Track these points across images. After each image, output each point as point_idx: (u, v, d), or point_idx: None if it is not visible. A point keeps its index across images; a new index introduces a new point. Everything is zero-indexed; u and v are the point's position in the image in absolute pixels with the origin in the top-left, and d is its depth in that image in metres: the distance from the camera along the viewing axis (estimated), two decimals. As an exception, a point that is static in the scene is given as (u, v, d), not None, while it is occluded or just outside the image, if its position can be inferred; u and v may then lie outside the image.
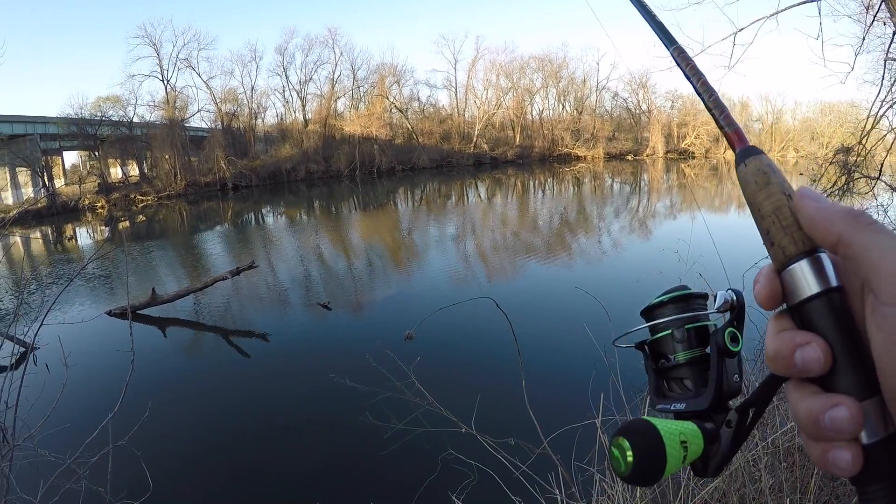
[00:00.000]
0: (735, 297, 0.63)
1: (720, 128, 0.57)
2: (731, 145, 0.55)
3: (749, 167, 0.53)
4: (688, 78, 0.60)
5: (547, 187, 43.19)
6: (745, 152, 0.54)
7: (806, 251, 0.47)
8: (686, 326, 0.66)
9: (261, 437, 7.65)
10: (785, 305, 0.49)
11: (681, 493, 2.98)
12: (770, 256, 0.50)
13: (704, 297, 0.67)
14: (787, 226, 0.49)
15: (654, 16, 0.66)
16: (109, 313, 12.18)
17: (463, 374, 8.73)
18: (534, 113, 65.64)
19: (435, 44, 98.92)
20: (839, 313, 0.46)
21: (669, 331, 0.67)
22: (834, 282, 0.47)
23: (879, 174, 9.38)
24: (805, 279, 0.47)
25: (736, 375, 0.62)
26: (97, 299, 14.59)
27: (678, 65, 0.61)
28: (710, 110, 0.57)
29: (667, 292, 0.69)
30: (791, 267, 0.48)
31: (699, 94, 0.58)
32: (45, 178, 39.94)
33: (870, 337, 0.43)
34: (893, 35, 8.63)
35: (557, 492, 3.16)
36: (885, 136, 9.14)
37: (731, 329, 0.62)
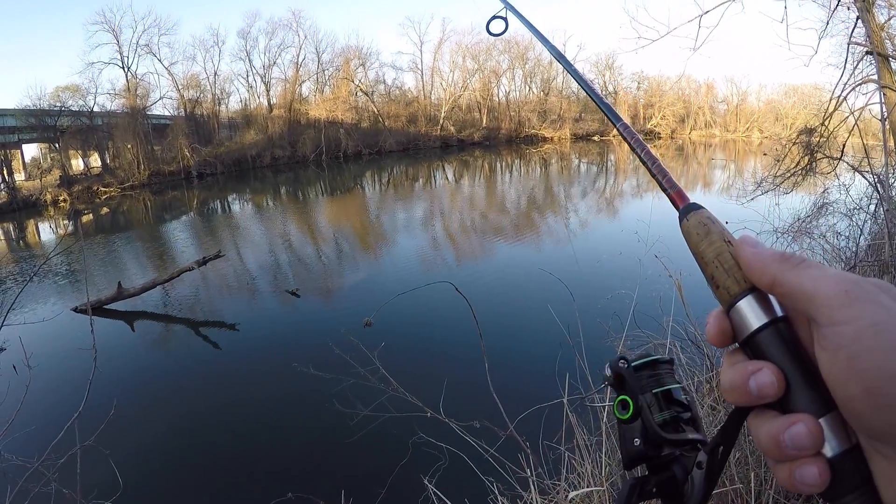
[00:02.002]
0: (613, 368, 0.66)
1: (663, 190, 0.63)
2: (675, 204, 0.61)
3: (691, 221, 0.57)
4: (633, 149, 0.68)
5: (514, 169, 43.26)
6: (687, 209, 0.59)
7: (749, 288, 0.51)
8: (654, 391, 0.65)
9: (231, 429, 7.63)
10: (736, 344, 0.52)
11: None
12: (717, 299, 0.54)
13: (671, 362, 0.68)
14: (728, 268, 0.52)
15: (602, 98, 0.75)
16: (75, 310, 11.99)
17: (428, 358, 8.76)
18: (500, 95, 65.41)
19: (401, 26, 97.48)
20: (787, 339, 0.49)
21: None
22: (779, 312, 0.50)
23: (842, 155, 9.58)
24: (751, 313, 0.50)
25: (636, 439, 0.62)
26: (63, 296, 14.31)
27: (624, 138, 0.69)
28: (653, 175, 0.64)
29: (635, 359, 0.68)
30: (737, 305, 0.51)
31: (643, 162, 0.65)
32: (5, 173, 38.92)
33: (818, 359, 0.46)
34: (857, 20, 8.79)
35: (528, 471, 3.23)
36: (847, 117, 9.31)
37: (620, 398, 0.65)
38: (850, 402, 0.43)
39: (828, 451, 0.45)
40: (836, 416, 0.45)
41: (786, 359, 0.48)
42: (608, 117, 0.73)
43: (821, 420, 0.46)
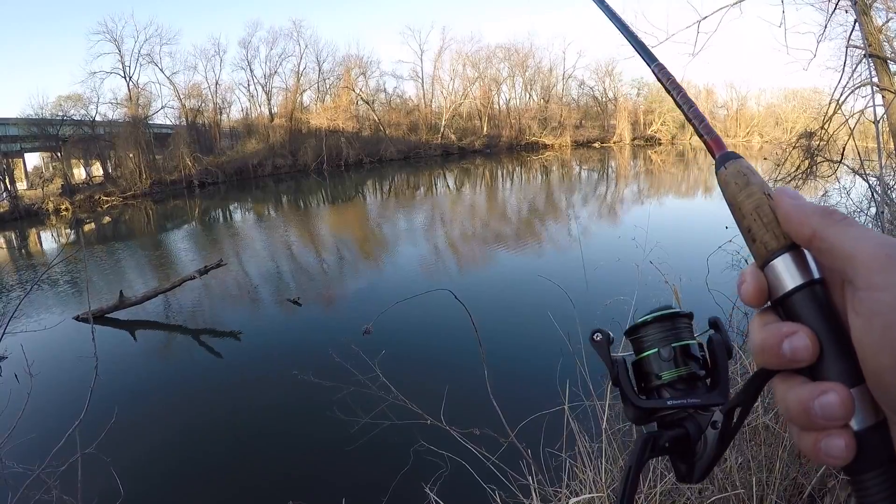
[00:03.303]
0: (592, 339, 0.67)
1: (700, 136, 0.60)
2: (711, 152, 0.58)
3: (729, 170, 0.55)
4: (669, 91, 0.64)
5: (514, 176, 43.31)
6: (725, 157, 0.56)
7: (787, 245, 0.49)
8: (672, 345, 0.64)
9: (232, 437, 7.62)
10: (769, 302, 0.50)
11: (650, 476, 3.05)
12: (752, 254, 0.52)
13: (689, 315, 0.67)
14: (767, 222, 0.50)
15: (636, 37, 0.70)
16: (77, 318, 12.00)
17: (429, 366, 8.75)
18: (501, 102, 65.68)
19: (401, 34, 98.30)
20: (823, 303, 0.47)
21: (655, 349, 0.65)
22: (816, 274, 0.48)
23: (841, 158, 9.57)
24: (788, 272, 0.48)
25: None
26: (65, 304, 14.32)
27: (660, 80, 0.66)
28: (689, 120, 0.61)
29: (652, 312, 0.67)
30: (773, 262, 0.49)
31: (680, 107, 0.62)
32: (7, 182, 38.99)
33: (850, 325, 0.44)
34: (854, 23, 8.80)
35: (530, 479, 3.22)
36: (847, 120, 9.30)
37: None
38: (881, 373, 0.42)
39: (855, 424, 0.44)
40: (865, 389, 0.44)
41: (821, 323, 0.46)
42: (641, 56, 0.68)
43: (851, 391, 0.44)
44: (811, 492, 2.94)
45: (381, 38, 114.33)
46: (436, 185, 40.28)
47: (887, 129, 8.38)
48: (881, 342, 0.41)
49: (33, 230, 33.00)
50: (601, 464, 3.12)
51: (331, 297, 14.05)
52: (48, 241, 30.26)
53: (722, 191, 0.55)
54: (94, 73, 45.76)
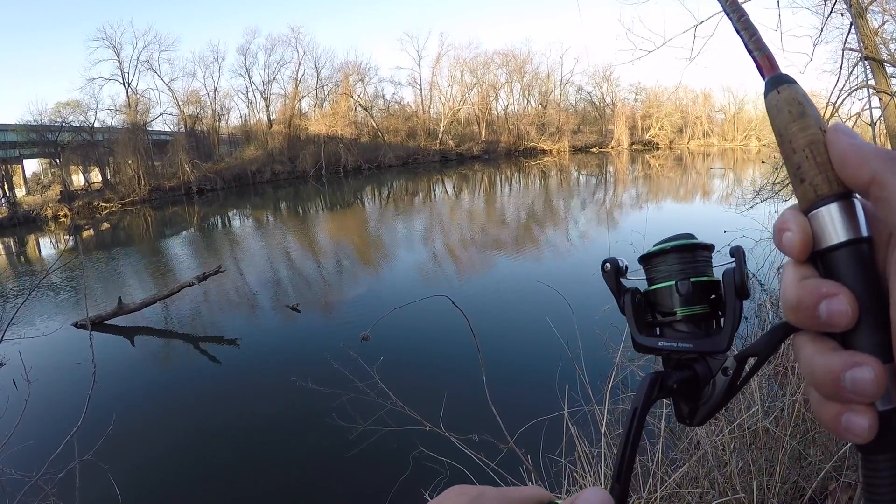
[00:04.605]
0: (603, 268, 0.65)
1: (748, 52, 0.51)
2: (761, 72, 0.50)
3: (783, 95, 0.47)
4: None
5: (513, 182, 43.34)
6: (778, 79, 0.48)
7: (839, 193, 0.43)
8: (692, 279, 0.60)
9: (230, 444, 7.59)
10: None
11: (650, 480, 3.05)
12: (797, 196, 0.46)
13: (710, 247, 0.62)
14: (821, 163, 0.44)
15: None
16: (75, 325, 11.98)
17: (427, 372, 8.74)
18: (499, 108, 65.76)
19: (399, 41, 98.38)
20: (868, 266, 0.42)
21: (672, 282, 0.61)
22: (864, 231, 0.43)
23: (840, 160, 9.59)
24: (835, 224, 0.43)
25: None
26: (63, 311, 14.30)
27: None
28: (738, 32, 0.52)
29: (669, 239, 0.63)
30: (820, 209, 0.44)
31: (727, 14, 0.53)
32: (6, 188, 39.01)
33: (890, 292, 0.40)
34: (850, 26, 8.83)
35: (530, 484, 3.21)
36: (844, 123, 9.34)
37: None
38: None
39: (879, 404, 0.41)
40: (893, 368, 0.40)
41: (863, 287, 0.42)
42: None
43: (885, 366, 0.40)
44: (812, 495, 2.94)
45: (379, 45, 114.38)
46: (434, 191, 40.30)
47: (884, 131, 8.39)
48: None
49: (32, 236, 32.97)
50: (601, 468, 3.12)
51: (330, 303, 14.03)
52: (47, 247, 30.21)
53: (770, 119, 0.48)
54: (93, 79, 45.93)
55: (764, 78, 0.49)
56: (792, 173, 0.46)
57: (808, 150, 0.45)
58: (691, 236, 0.62)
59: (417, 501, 3.45)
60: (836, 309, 0.41)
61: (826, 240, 0.43)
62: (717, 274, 0.61)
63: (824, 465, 3.01)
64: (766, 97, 0.48)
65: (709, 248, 0.62)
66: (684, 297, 0.60)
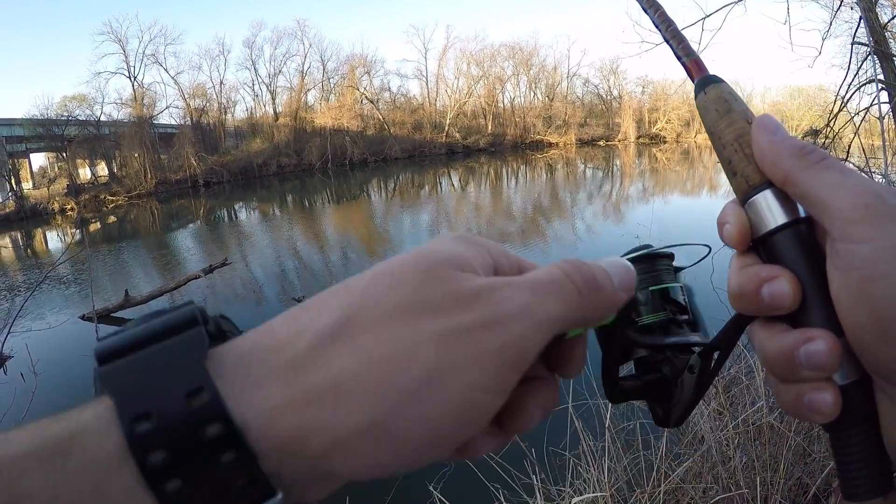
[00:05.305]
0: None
1: (678, 58, 0.53)
2: (690, 75, 0.52)
3: (709, 95, 0.49)
4: (645, 10, 0.57)
5: (519, 175, 43.26)
6: (705, 80, 0.50)
7: (770, 180, 0.44)
8: (651, 288, 0.60)
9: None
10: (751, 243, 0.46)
11: (654, 475, 3.05)
12: (733, 188, 0.48)
13: (670, 256, 0.62)
14: (749, 154, 0.45)
15: None
16: (82, 317, 12.03)
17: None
18: (505, 101, 65.43)
19: (405, 33, 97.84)
20: (808, 245, 0.43)
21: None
22: (802, 212, 0.43)
23: (847, 155, 9.53)
24: (770, 210, 0.44)
25: None
26: (69, 303, 14.36)
27: None
28: (667, 41, 0.54)
29: (627, 253, 0.62)
30: (755, 197, 0.45)
31: (657, 26, 0.55)
32: (13, 182, 39.17)
33: (829, 277, 0.41)
34: (860, 19, 8.76)
35: (533, 477, 3.23)
36: (853, 118, 9.25)
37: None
38: (858, 331, 0.39)
39: (838, 378, 0.41)
40: (847, 342, 0.40)
41: (805, 267, 0.42)
42: None
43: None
44: (816, 491, 2.94)
45: (385, 37, 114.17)
46: (440, 183, 40.24)
47: (892, 126, 8.33)
48: (858, 298, 0.38)
49: (39, 230, 33.13)
50: (605, 462, 3.12)
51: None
52: (54, 240, 30.36)
53: (701, 119, 0.50)
54: (99, 73, 45.89)
55: (693, 80, 0.51)
56: (725, 168, 0.48)
57: (735, 143, 0.46)
58: (649, 246, 0.62)
59: (422, 493, 3.47)
60: (778, 291, 0.42)
61: (764, 226, 0.44)
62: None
63: (828, 461, 3.00)
64: (695, 99, 0.51)
65: (669, 256, 0.62)
66: (648, 306, 0.59)
